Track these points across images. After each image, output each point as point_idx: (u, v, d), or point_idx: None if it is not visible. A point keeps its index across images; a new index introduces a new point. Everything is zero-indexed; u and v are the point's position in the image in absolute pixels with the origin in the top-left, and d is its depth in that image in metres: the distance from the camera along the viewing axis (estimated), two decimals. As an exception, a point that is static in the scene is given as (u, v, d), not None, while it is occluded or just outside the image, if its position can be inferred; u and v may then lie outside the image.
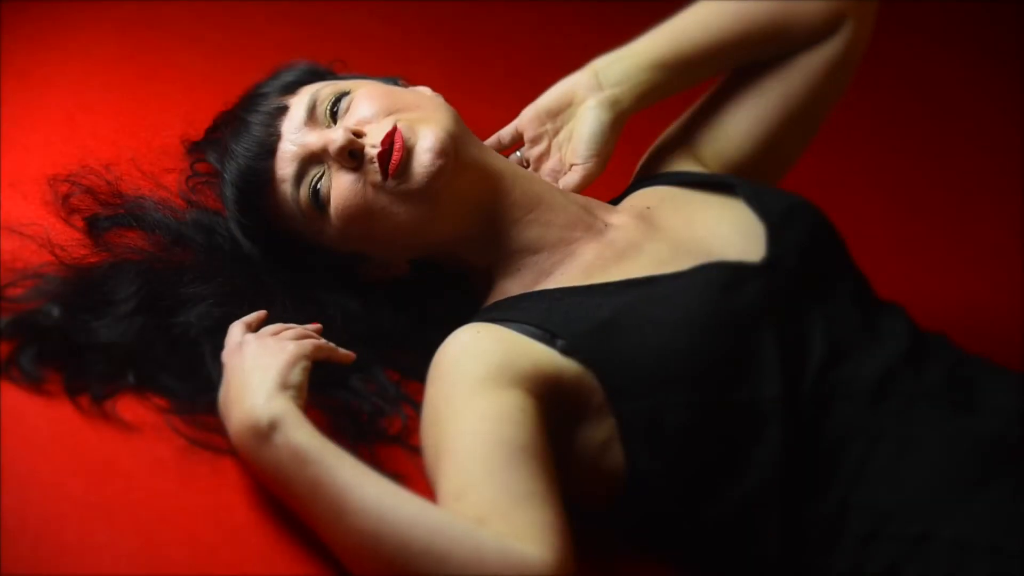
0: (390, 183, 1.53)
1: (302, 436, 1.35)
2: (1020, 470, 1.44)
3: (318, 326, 1.54)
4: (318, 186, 1.57)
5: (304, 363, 1.43)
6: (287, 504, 1.37)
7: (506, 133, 1.73)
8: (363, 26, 2.31)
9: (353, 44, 2.22)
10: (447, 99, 1.67)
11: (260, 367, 1.41)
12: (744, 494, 1.44)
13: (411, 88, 1.69)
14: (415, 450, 1.48)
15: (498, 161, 1.63)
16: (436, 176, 1.53)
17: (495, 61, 2.35)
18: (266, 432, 1.35)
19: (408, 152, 1.53)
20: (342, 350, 1.51)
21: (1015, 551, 1.39)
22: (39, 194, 1.64)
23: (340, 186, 1.55)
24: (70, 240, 1.59)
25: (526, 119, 1.71)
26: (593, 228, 1.62)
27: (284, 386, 1.39)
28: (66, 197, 1.64)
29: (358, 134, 1.55)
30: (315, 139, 1.57)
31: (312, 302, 1.61)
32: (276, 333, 1.49)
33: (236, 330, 1.49)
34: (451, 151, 1.54)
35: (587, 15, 2.49)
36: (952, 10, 2.65)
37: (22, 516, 1.32)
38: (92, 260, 1.57)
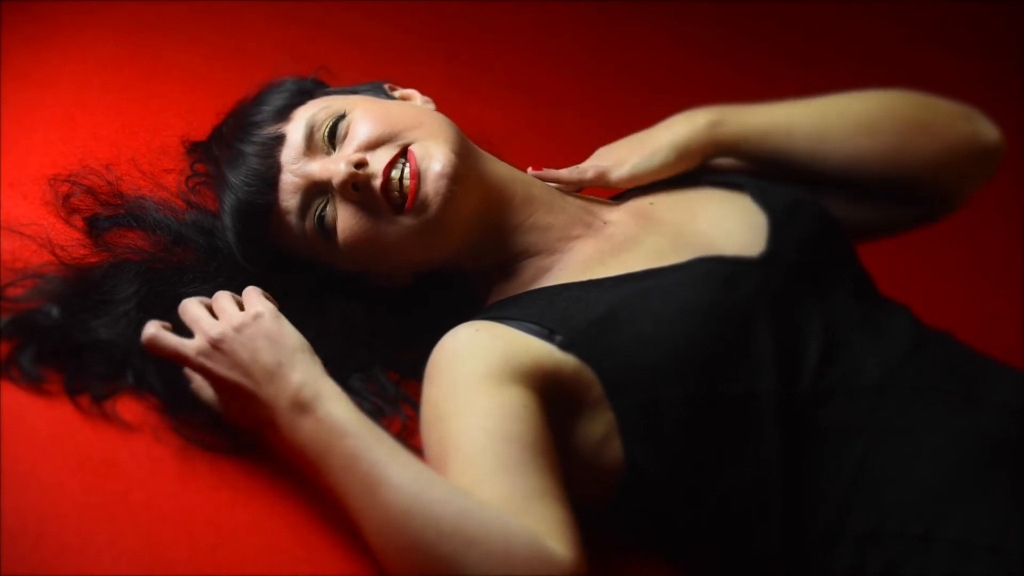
0: (406, 217, 1.53)
1: (341, 409, 1.36)
2: (1021, 470, 1.44)
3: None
4: (323, 215, 1.56)
5: (279, 314, 1.43)
6: (318, 479, 1.38)
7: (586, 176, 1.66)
8: (363, 26, 2.31)
9: (353, 44, 2.22)
10: (447, 99, 1.67)
11: (258, 348, 1.40)
12: (743, 489, 1.44)
13: (400, 92, 1.68)
14: (415, 450, 1.48)
15: (497, 168, 1.62)
16: (448, 201, 1.52)
17: (495, 62, 2.34)
18: (308, 404, 1.36)
19: (420, 178, 1.52)
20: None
21: (1015, 551, 1.39)
22: (39, 194, 1.64)
23: (346, 217, 1.55)
24: (70, 240, 1.59)
25: (622, 182, 1.64)
26: (592, 226, 1.61)
27: (301, 348, 1.40)
28: (66, 197, 1.64)
29: (360, 164, 1.53)
30: (317, 169, 1.55)
31: (312, 304, 1.61)
32: (210, 306, 1.44)
33: (171, 340, 1.42)
34: (461, 173, 1.53)
35: (587, 15, 2.49)
36: (952, 10, 2.64)
37: (22, 516, 1.32)
38: (92, 260, 1.57)
